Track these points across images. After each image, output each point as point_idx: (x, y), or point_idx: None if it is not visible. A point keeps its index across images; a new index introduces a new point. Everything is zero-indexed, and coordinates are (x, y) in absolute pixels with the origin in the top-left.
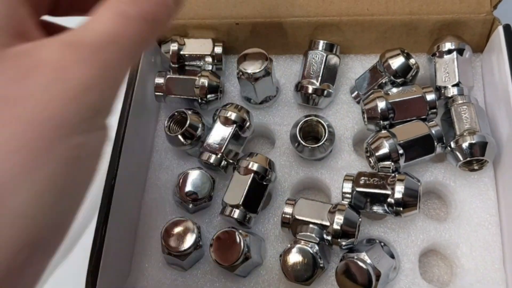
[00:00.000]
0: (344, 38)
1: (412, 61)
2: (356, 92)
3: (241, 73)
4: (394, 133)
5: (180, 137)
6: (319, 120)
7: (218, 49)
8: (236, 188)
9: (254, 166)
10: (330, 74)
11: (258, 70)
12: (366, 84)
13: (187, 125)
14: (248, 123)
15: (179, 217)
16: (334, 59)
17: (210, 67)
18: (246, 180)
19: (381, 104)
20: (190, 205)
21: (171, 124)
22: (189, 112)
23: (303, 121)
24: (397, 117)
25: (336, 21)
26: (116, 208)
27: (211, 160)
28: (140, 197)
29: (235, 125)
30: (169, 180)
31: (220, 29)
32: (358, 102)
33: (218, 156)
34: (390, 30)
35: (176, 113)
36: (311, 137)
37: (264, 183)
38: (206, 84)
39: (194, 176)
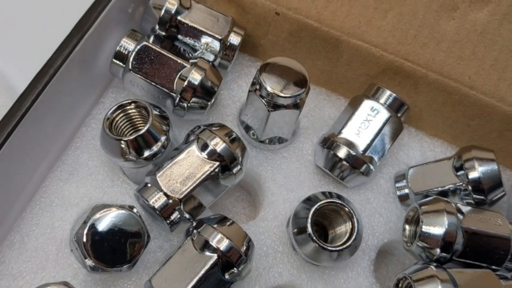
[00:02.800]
0: (415, 100)
1: (504, 176)
2: (403, 184)
3: (258, 87)
4: (454, 278)
5: (123, 143)
6: (349, 209)
7: (236, 38)
8: (179, 272)
9: (223, 244)
10: (382, 145)
11: (286, 95)
12: (424, 181)
13: (144, 129)
14: (239, 167)
15: None
16: (396, 126)
17: (212, 58)
18: (201, 265)
19: (450, 227)
20: (90, 265)
21: (117, 119)
22: (155, 110)
23: (322, 203)
24: (462, 254)
25: (420, 74)
26: None
27: (158, 205)
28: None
29: (218, 163)
30: (74, 203)
31: (251, 10)
32: (402, 199)
33: (172, 201)
34: (490, 119)
35: (131, 104)
36: (317, 226)
37: (227, 278)
38: (198, 81)
39: (114, 221)
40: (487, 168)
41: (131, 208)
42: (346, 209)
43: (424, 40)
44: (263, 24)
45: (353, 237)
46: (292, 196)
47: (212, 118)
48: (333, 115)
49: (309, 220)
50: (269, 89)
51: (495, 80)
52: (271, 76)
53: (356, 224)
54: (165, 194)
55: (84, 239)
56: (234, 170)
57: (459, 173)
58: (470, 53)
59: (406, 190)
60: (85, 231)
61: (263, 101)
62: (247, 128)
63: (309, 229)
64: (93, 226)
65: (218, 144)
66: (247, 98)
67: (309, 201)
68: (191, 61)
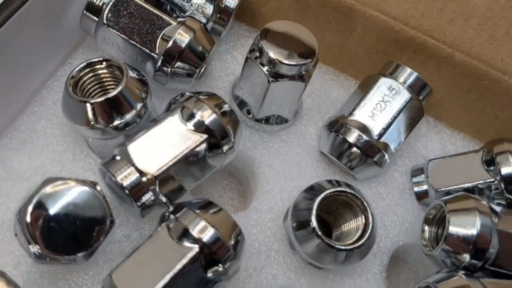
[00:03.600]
0: (437, 85)
1: None
2: (422, 179)
3: (258, 53)
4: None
5: (89, 107)
6: (363, 200)
7: (233, 0)
8: (149, 265)
9: (207, 234)
10: (400, 131)
11: (291, 63)
12: (446, 176)
13: (116, 91)
14: (230, 144)
15: None
16: (417, 110)
17: (204, 20)
18: (178, 258)
19: (483, 228)
20: (36, 253)
21: (85, 79)
22: (132, 72)
23: (331, 191)
24: (496, 262)
25: (445, 54)
26: None
27: (127, 182)
28: None
29: (205, 137)
30: (24, 177)
31: None
32: (420, 197)
33: (146, 179)
34: None
35: (103, 62)
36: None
37: (210, 276)
38: (186, 43)
39: (70, 198)
40: None
41: (93, 184)
42: (359, 200)
43: (452, 14)
44: None
45: (367, 234)
46: (291, 186)
47: (199, 88)
48: (341, 98)
49: (314, 212)
50: (271, 54)
51: None
52: (274, 41)
53: (370, 220)
54: (137, 169)
55: (28, 219)
56: (225, 148)
57: (490, 168)
58: (505, 32)
59: (425, 186)
60: (30, 209)
61: (263, 69)
62: (241, 105)
63: (314, 223)
64: (40, 204)
65: (207, 114)
66: (243, 67)
67: (313, 190)
68: (179, 19)
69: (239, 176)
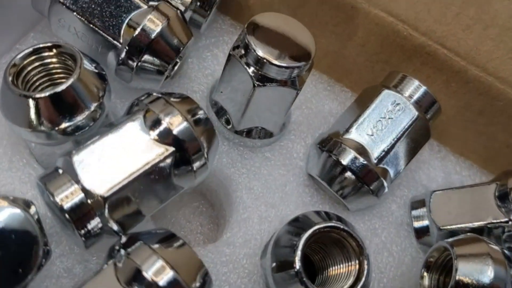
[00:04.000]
0: (443, 104)
1: None
2: (422, 213)
3: (244, 51)
4: None
5: (32, 103)
6: (359, 241)
7: None
8: None
9: (163, 278)
10: (403, 155)
11: (282, 65)
12: (451, 211)
13: (66, 84)
14: (203, 160)
15: None
16: (424, 131)
17: (182, 8)
18: None
19: (497, 279)
20: None
21: (29, 68)
22: (88, 63)
23: (320, 227)
24: None
25: (457, 67)
26: None
27: (68, 204)
28: None
29: (171, 150)
30: None
31: None
32: (419, 234)
33: (92, 201)
34: None
35: (52, 49)
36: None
37: None
38: (156, 33)
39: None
40: None
41: (26, 205)
42: (355, 241)
43: (469, 21)
44: None
45: (361, 283)
46: (272, 214)
47: (170, 89)
48: (335, 111)
49: (299, 252)
50: (259, 52)
51: None
52: (263, 37)
53: (366, 266)
54: (83, 188)
55: None
56: (196, 165)
57: (503, 204)
58: None
59: (426, 222)
60: None
61: (249, 70)
62: (220, 113)
63: (298, 265)
64: None
65: (176, 121)
66: (225, 67)
67: (298, 223)
68: (151, 3)
69: (212, 198)
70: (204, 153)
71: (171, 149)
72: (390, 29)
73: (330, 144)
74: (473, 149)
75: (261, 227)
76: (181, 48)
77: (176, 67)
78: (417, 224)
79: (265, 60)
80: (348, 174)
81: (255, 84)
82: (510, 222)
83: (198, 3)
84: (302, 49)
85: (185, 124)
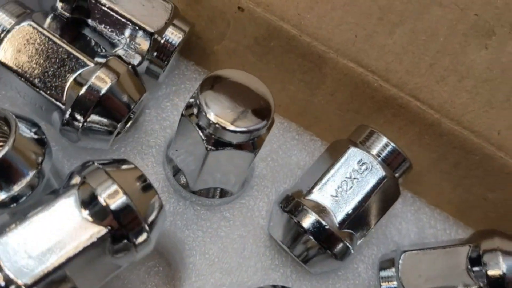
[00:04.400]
0: (417, 155)
1: None
2: (391, 274)
3: (196, 111)
4: None
5: None
6: None
7: (175, 35)
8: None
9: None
10: (369, 217)
11: (237, 130)
12: (421, 274)
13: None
14: (144, 236)
15: None
16: (392, 190)
17: (137, 60)
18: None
19: None
20: None
21: None
22: (24, 128)
23: None
24: None
25: (430, 120)
26: None
27: None
28: None
29: (105, 231)
30: None
31: (204, 3)
32: None
33: None
34: None
35: None
36: None
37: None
38: (104, 90)
39: None
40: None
41: None
42: None
43: (443, 72)
44: (219, 23)
45: None
46: (227, 282)
47: (126, 149)
48: (303, 163)
49: None
50: (211, 117)
51: None
52: (217, 97)
53: None
54: (4, 275)
55: None
56: (136, 241)
57: (475, 269)
58: (505, 99)
59: (394, 284)
60: None
61: (201, 134)
62: (177, 170)
63: None
64: None
65: (114, 197)
66: (178, 125)
67: None
68: (97, 59)
69: (169, 257)
70: (145, 228)
71: (104, 230)
72: (360, 80)
73: (292, 204)
74: (449, 200)
75: None
76: (132, 106)
77: (129, 123)
78: (385, 286)
79: (218, 125)
80: (309, 238)
81: (208, 149)
82: None
83: (155, 53)
84: (261, 109)
85: (123, 199)
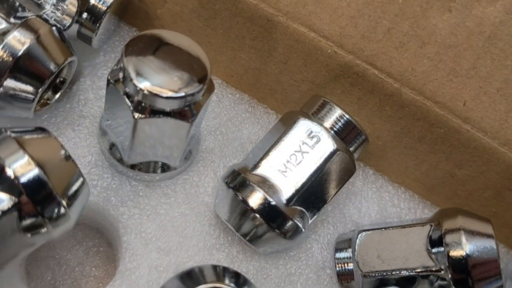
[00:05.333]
0: (378, 129)
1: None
2: (347, 255)
3: (121, 76)
4: None
5: None
6: None
7: None
8: None
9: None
10: (321, 193)
11: (168, 95)
12: (380, 255)
13: None
14: (61, 211)
15: None
16: (345, 165)
17: (67, 22)
18: None
19: None
20: None
21: None
22: None
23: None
24: None
25: (390, 89)
26: None
27: None
28: None
29: (12, 202)
30: None
31: None
32: (342, 279)
33: None
34: (487, 169)
35: None
36: None
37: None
38: (21, 52)
39: None
40: (479, 247)
41: None
42: None
43: (402, 38)
44: None
45: None
46: (165, 263)
47: (56, 119)
48: (255, 137)
49: None
50: (137, 82)
51: (502, 113)
52: (144, 60)
53: None
54: None
55: None
56: (52, 216)
57: (436, 250)
58: (470, 66)
59: (351, 266)
60: None
61: (128, 101)
62: (112, 143)
63: None
64: None
65: (23, 167)
66: (106, 93)
67: (189, 278)
68: (13, 20)
69: (109, 236)
70: (61, 203)
71: (12, 201)
72: (312, 46)
73: (236, 180)
74: (415, 178)
75: (149, 278)
76: (55, 70)
77: (59, 92)
78: (340, 267)
79: (146, 92)
80: (255, 216)
81: (136, 117)
82: (442, 271)
83: (86, 15)
84: (196, 72)
85: (35, 171)
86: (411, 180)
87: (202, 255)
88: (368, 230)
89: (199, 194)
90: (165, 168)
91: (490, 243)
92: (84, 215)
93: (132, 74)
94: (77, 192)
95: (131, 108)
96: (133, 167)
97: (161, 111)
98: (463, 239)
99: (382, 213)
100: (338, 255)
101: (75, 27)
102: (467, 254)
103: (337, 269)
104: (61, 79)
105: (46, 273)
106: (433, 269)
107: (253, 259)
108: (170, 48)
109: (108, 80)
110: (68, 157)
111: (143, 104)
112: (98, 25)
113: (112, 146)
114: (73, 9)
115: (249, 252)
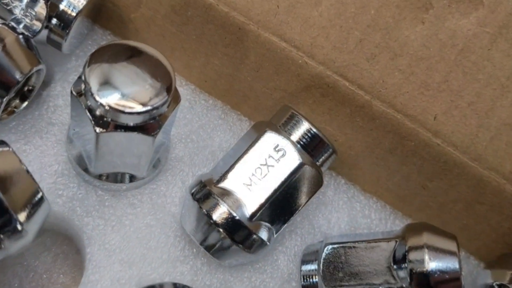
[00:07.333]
0: (350, 139)
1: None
2: (313, 268)
3: (83, 89)
4: None
5: None
6: None
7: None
8: None
9: None
10: (285, 208)
11: (130, 111)
12: (344, 268)
13: None
14: (17, 228)
15: None
16: (312, 179)
17: (37, 28)
18: None
19: None
20: None
21: None
22: None
23: None
24: None
25: (361, 101)
26: None
27: None
28: None
29: None
30: None
31: None
32: None
33: None
34: (458, 183)
35: None
36: None
37: None
38: None
39: None
40: (442, 265)
41: None
42: None
43: (374, 49)
44: None
45: None
46: (127, 276)
47: (24, 127)
48: (227, 145)
49: None
50: (98, 97)
51: (473, 127)
52: (105, 72)
53: None
54: None
55: None
56: (6, 234)
57: (400, 266)
58: (442, 79)
59: (316, 279)
60: None
61: (89, 115)
62: (78, 153)
63: None
64: None
65: None
66: (70, 104)
67: None
68: None
69: (77, 242)
70: (18, 219)
71: None
72: (284, 55)
73: (201, 193)
74: (387, 188)
75: None
76: (21, 79)
77: (28, 100)
78: (305, 281)
79: (107, 107)
80: (219, 230)
81: (97, 131)
82: None
83: (55, 20)
84: (159, 83)
85: None
86: (383, 190)
87: (166, 267)
88: (335, 243)
89: (166, 205)
90: (132, 177)
91: (453, 261)
92: (52, 222)
93: (93, 88)
94: (34, 207)
95: (93, 122)
96: (100, 176)
97: (124, 126)
98: (426, 257)
99: (352, 223)
100: (304, 267)
101: (45, 32)
102: (429, 272)
103: (302, 282)
104: (30, 87)
105: (13, 280)
106: (395, 286)
107: (218, 271)
108: (134, 60)
109: (71, 92)
110: (26, 172)
111: (104, 119)
112: (67, 31)
113: (79, 155)
114: (43, 14)
115: (214, 264)
